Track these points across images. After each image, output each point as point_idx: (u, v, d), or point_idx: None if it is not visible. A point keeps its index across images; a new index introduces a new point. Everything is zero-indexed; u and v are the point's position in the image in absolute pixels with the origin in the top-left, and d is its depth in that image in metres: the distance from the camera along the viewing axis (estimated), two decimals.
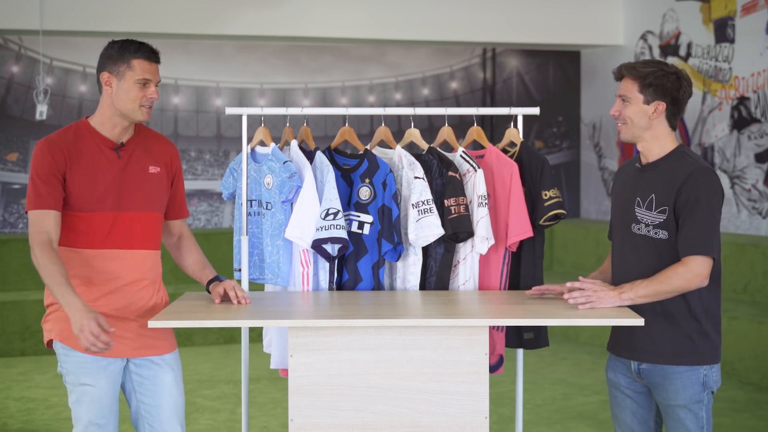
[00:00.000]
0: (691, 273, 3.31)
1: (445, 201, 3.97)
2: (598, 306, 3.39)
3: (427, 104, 10.45)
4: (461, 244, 4.04)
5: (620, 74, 3.48)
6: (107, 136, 3.46)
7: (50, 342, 3.50)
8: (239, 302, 3.58)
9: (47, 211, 3.34)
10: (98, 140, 3.45)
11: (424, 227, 3.96)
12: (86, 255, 3.42)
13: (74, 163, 3.39)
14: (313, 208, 3.96)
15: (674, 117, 3.45)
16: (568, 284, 3.59)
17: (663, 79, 3.40)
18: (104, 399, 3.44)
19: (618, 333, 3.55)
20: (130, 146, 3.50)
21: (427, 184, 4.00)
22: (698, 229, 3.32)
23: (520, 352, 4.21)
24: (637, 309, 3.40)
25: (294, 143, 4.18)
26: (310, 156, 4.14)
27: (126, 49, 3.41)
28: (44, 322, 3.51)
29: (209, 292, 3.68)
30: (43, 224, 3.32)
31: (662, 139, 3.45)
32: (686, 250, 3.32)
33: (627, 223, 3.48)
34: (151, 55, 3.44)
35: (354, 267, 4.02)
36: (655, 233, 3.40)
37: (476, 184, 4.00)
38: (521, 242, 4.07)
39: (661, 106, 3.41)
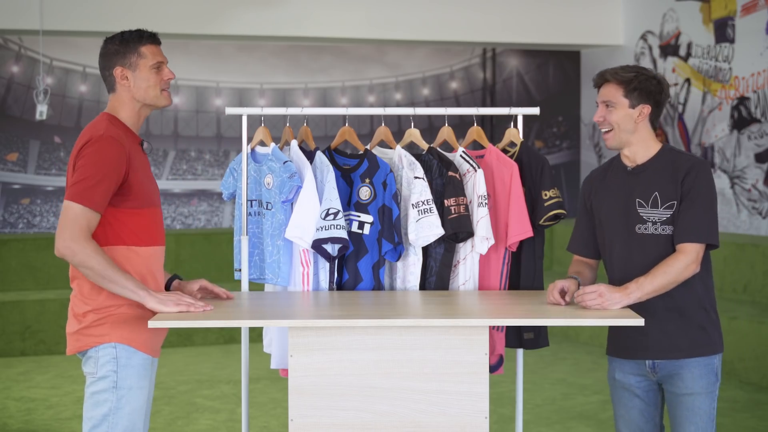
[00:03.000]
0: (690, 260, 3.38)
1: (445, 201, 3.97)
2: (608, 308, 3.39)
3: (427, 104, 10.45)
4: (461, 244, 4.04)
5: (602, 80, 3.57)
6: (134, 131, 3.43)
7: (80, 348, 3.30)
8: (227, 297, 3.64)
9: (97, 214, 3.22)
10: (131, 136, 3.40)
11: (424, 227, 3.95)
12: (145, 253, 3.35)
13: (132, 160, 3.31)
14: (313, 208, 3.95)
15: (656, 119, 3.55)
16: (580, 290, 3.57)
17: (646, 83, 3.49)
18: (147, 402, 3.37)
19: (626, 335, 3.53)
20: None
21: (427, 184, 4.00)
22: (699, 217, 3.39)
23: (520, 352, 4.20)
24: (651, 307, 3.42)
25: (294, 143, 4.17)
26: (310, 156, 4.14)
27: (129, 40, 3.39)
28: (88, 326, 3.29)
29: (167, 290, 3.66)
30: (90, 223, 3.20)
31: (647, 141, 3.53)
32: (683, 238, 3.39)
33: (630, 225, 3.49)
34: (155, 38, 3.45)
35: (354, 267, 4.02)
36: (663, 229, 3.45)
37: (476, 184, 4.00)
38: (521, 242, 4.07)
39: (646, 109, 3.49)
